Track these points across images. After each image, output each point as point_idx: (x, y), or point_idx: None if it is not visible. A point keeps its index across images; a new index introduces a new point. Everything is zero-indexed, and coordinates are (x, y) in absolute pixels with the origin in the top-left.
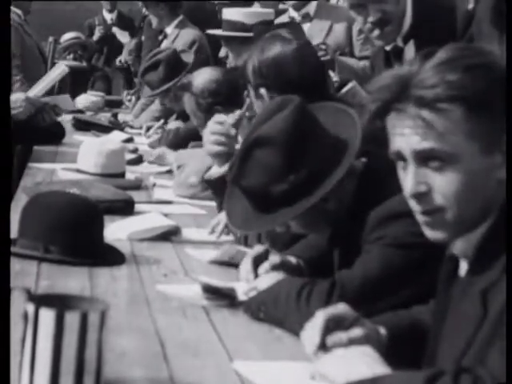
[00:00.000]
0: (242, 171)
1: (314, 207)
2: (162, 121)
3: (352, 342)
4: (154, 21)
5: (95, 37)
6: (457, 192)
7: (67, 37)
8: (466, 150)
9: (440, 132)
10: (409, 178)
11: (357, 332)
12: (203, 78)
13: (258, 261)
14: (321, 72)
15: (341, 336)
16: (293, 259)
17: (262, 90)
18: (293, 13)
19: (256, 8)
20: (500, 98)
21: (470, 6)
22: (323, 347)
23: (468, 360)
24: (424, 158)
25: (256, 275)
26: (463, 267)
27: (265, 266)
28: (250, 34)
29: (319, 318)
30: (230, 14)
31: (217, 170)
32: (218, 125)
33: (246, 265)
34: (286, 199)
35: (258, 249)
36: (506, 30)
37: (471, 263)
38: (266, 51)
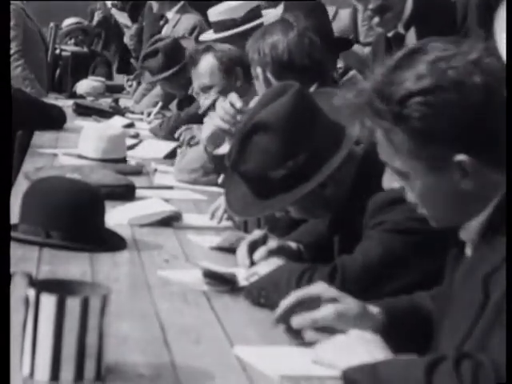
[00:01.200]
0: (240, 156)
1: (312, 193)
2: (160, 103)
3: (318, 322)
4: (155, 5)
5: (94, 21)
6: (418, 198)
7: (68, 22)
8: (412, 167)
9: (387, 152)
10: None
11: (323, 311)
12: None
13: (254, 246)
14: (318, 59)
15: (306, 316)
16: (293, 244)
17: (258, 70)
18: None
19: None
20: (449, 121)
21: None
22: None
23: (470, 345)
24: None
25: (252, 260)
26: (468, 251)
27: (260, 251)
28: (247, 27)
29: (293, 295)
30: (216, 15)
31: (226, 148)
32: (229, 105)
33: (242, 250)
34: (285, 185)
35: (255, 234)
36: (491, 29)
37: (475, 248)
38: (267, 35)
